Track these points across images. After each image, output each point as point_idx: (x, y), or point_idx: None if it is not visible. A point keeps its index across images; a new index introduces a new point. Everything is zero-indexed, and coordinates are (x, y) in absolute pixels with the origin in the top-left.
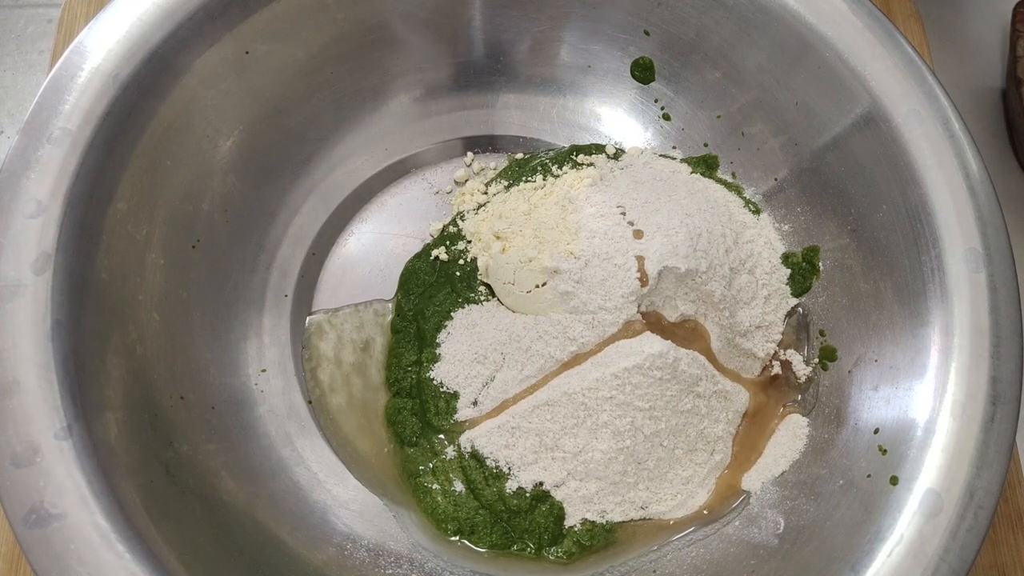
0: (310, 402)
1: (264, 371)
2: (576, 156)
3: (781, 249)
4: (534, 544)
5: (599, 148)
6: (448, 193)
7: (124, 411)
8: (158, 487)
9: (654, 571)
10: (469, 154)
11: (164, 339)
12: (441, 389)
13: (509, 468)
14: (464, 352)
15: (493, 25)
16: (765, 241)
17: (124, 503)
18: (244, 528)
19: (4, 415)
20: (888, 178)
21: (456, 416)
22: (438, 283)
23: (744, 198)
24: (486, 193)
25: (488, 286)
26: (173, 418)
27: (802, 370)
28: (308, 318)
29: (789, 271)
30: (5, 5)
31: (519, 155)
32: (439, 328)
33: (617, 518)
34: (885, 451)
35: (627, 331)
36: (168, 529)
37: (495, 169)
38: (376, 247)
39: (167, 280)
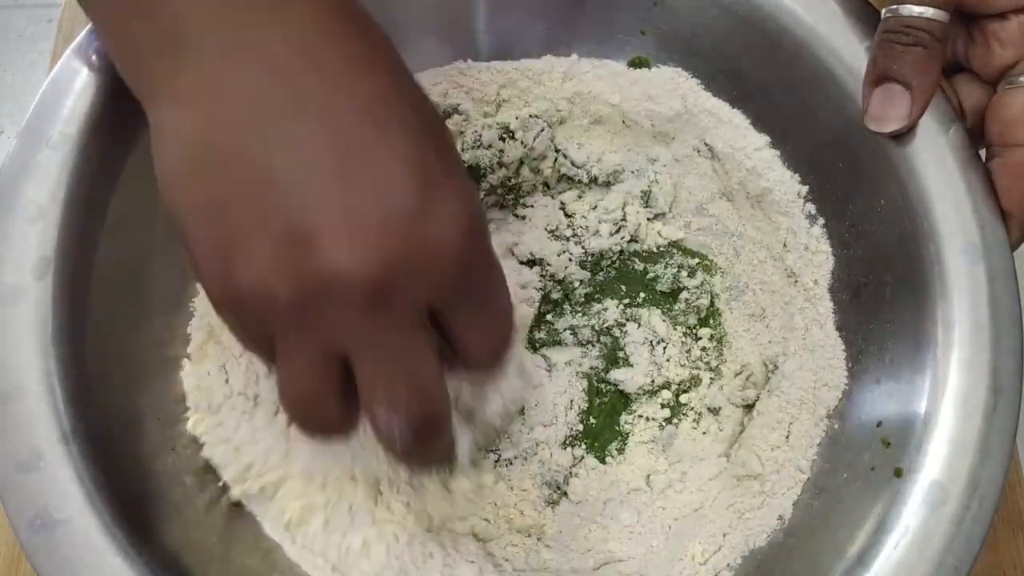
0: None
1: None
2: None
3: None
4: None
5: None
6: None
7: (126, 415)
8: (162, 491)
9: None
10: None
11: (165, 341)
12: None
13: None
14: None
15: (495, 26)
16: None
17: (128, 507)
18: (247, 530)
19: (7, 420)
20: (886, 174)
21: None
22: None
23: None
24: None
25: None
26: (175, 420)
27: None
28: None
29: None
30: (5, 5)
31: None
32: None
33: None
34: (888, 444)
35: None
36: (172, 533)
37: None
38: None
39: (168, 283)
